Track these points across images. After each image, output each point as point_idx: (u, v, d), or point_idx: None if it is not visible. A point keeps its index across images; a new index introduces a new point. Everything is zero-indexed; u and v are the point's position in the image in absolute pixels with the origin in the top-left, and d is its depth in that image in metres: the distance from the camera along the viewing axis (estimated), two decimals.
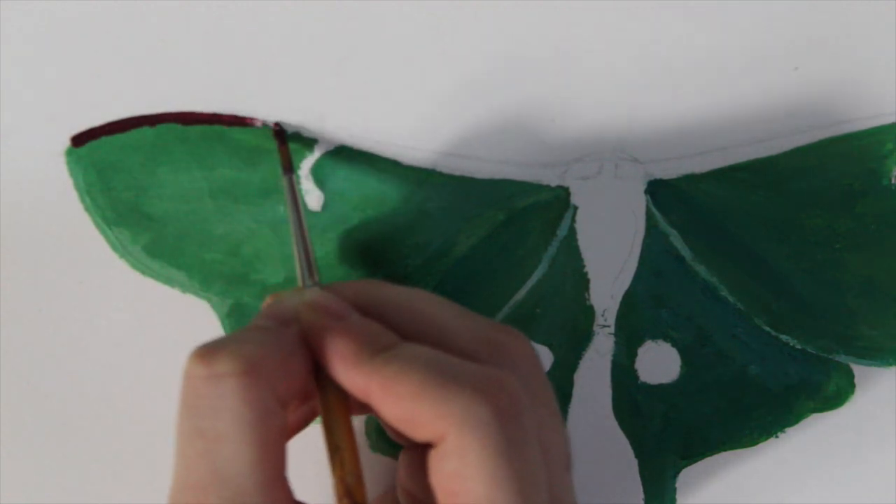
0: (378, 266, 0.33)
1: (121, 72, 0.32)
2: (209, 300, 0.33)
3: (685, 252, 0.33)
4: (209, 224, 0.32)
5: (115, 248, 0.32)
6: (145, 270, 0.33)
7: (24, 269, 0.33)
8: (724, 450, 0.34)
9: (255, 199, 0.32)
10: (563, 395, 0.34)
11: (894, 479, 0.35)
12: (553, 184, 0.33)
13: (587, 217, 0.33)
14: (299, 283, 0.28)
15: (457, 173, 0.33)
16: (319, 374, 0.26)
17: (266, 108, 0.32)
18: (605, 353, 0.34)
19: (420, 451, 0.25)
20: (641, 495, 0.34)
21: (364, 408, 0.25)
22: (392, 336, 0.26)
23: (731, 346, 0.34)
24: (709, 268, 0.33)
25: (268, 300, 0.27)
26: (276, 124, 0.32)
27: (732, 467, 0.35)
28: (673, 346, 0.34)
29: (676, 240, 0.33)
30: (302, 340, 0.26)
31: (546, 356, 0.34)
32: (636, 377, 0.34)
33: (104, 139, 0.32)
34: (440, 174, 0.33)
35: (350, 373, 0.25)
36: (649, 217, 0.33)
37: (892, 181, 0.33)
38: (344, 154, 0.33)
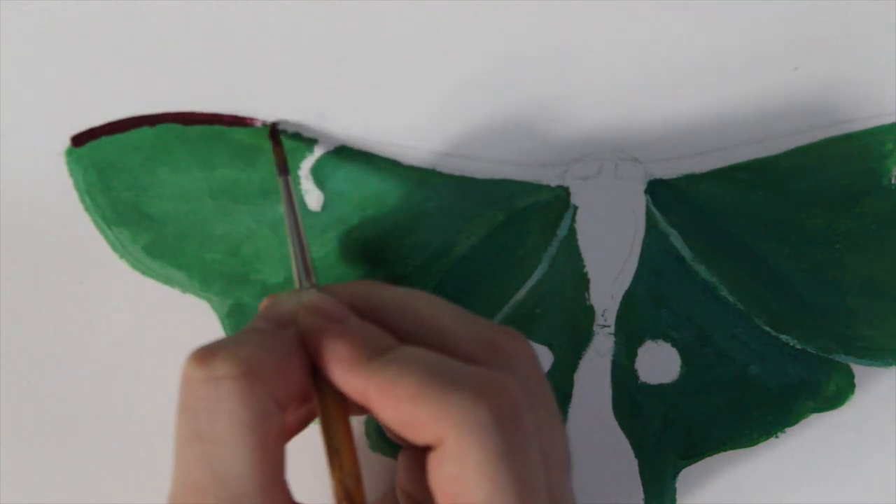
0: (378, 266, 0.33)
1: (121, 72, 0.32)
2: (209, 300, 0.33)
3: (685, 252, 0.33)
4: (209, 224, 0.32)
5: (115, 248, 0.32)
6: (145, 270, 0.33)
7: (24, 269, 0.33)
8: (724, 450, 0.34)
9: (255, 199, 0.32)
10: (563, 395, 0.34)
11: (894, 479, 0.35)
12: (553, 184, 0.33)
13: (587, 217, 0.33)
14: (296, 284, 0.28)
15: (457, 173, 0.33)
16: (317, 377, 0.26)
17: (266, 108, 0.32)
18: (605, 353, 0.34)
19: (419, 453, 0.25)
20: (641, 495, 0.34)
21: (363, 409, 0.25)
22: (390, 339, 0.25)
23: (731, 346, 0.34)
24: (709, 268, 0.33)
25: (265, 302, 0.27)
26: (273, 124, 0.32)
27: (732, 467, 0.35)
28: (673, 346, 0.34)
29: (676, 240, 0.33)
30: (299, 343, 0.26)
31: (546, 356, 0.34)
32: (636, 377, 0.34)
33: (104, 139, 0.32)
34: (440, 174, 0.33)
35: (348, 376, 0.25)
36: (649, 217, 0.33)
37: (892, 181, 0.33)
38: (344, 154, 0.33)
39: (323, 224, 0.33)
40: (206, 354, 0.24)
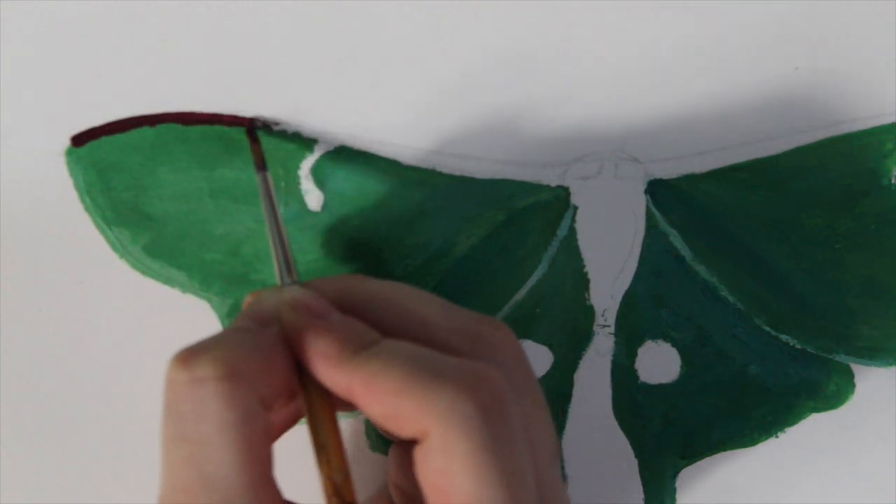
0: (378, 266, 0.33)
1: (121, 72, 0.32)
2: (209, 300, 0.33)
3: (685, 252, 0.33)
4: (209, 224, 0.32)
5: (115, 248, 0.32)
6: (145, 270, 0.33)
7: (24, 269, 0.33)
8: (724, 450, 0.34)
9: (255, 199, 0.32)
10: (563, 395, 0.34)
11: (894, 479, 0.35)
12: (553, 184, 0.33)
13: (587, 217, 0.33)
14: (278, 281, 0.28)
15: (457, 173, 0.33)
16: (302, 373, 0.26)
17: (266, 108, 0.32)
18: (605, 353, 0.34)
19: (409, 448, 0.25)
20: (641, 495, 0.34)
21: (349, 405, 0.25)
22: (373, 333, 0.25)
23: (731, 346, 0.34)
24: (709, 268, 0.33)
25: (247, 299, 0.27)
26: (251, 121, 0.32)
27: (732, 467, 0.35)
28: (673, 346, 0.34)
29: (676, 240, 0.33)
30: (283, 340, 0.25)
31: (546, 356, 0.34)
32: (636, 377, 0.34)
33: (104, 139, 0.32)
34: (440, 174, 0.33)
35: (332, 372, 0.25)
36: (649, 217, 0.33)
37: (892, 181, 0.33)
38: (344, 154, 0.33)
39: (323, 224, 0.33)
40: (188, 356, 0.24)
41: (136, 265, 0.32)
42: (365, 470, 0.34)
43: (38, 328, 0.34)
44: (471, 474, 0.23)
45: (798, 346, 0.33)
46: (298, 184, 0.32)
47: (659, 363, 0.34)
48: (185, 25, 0.32)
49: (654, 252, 0.33)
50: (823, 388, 0.34)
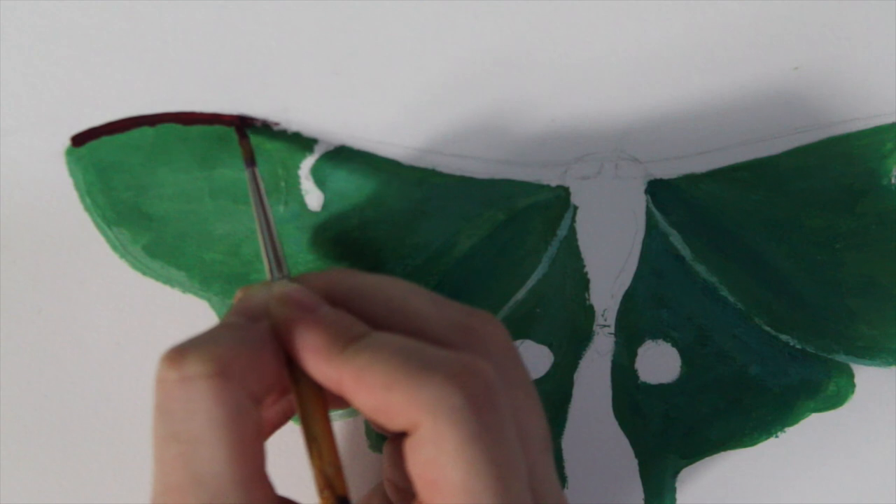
0: (378, 266, 0.33)
1: (121, 72, 0.32)
2: (209, 300, 0.33)
3: (685, 252, 0.33)
4: (209, 224, 0.32)
5: (115, 248, 0.32)
6: (145, 270, 0.33)
7: (24, 269, 0.33)
8: (724, 450, 0.34)
9: None
10: (563, 395, 0.34)
11: (894, 479, 0.35)
12: (553, 184, 0.33)
13: (587, 217, 0.33)
14: (267, 276, 0.28)
15: (457, 173, 0.33)
16: (292, 368, 0.26)
17: (266, 108, 0.32)
18: (605, 353, 0.34)
19: (402, 443, 0.25)
20: (641, 495, 0.34)
21: (340, 400, 0.25)
22: (362, 326, 0.25)
23: (731, 346, 0.34)
24: (709, 268, 0.33)
25: (238, 294, 0.27)
26: (238, 118, 0.32)
27: (732, 467, 0.35)
28: (673, 346, 0.34)
29: (676, 240, 0.33)
30: (272, 335, 0.25)
31: (546, 356, 0.34)
32: (636, 377, 0.34)
33: (104, 139, 0.32)
34: (440, 174, 0.33)
35: (321, 366, 0.25)
36: (649, 217, 0.33)
37: (892, 181, 0.33)
38: (344, 154, 0.33)
39: (323, 224, 0.33)
40: (177, 354, 0.24)
41: (136, 265, 0.32)
42: (364, 470, 0.34)
43: (38, 328, 0.34)
44: (461, 465, 0.23)
45: (798, 346, 0.33)
46: (298, 184, 0.32)
47: (659, 363, 0.34)
48: (185, 25, 0.32)
49: (654, 252, 0.33)
50: (823, 388, 0.34)
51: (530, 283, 0.33)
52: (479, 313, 0.27)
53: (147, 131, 0.32)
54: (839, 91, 0.33)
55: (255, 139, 0.32)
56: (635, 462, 0.34)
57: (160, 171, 0.32)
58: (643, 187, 0.33)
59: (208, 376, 0.23)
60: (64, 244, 0.33)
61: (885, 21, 0.33)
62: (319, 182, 0.32)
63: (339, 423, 0.34)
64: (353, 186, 0.33)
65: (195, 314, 0.33)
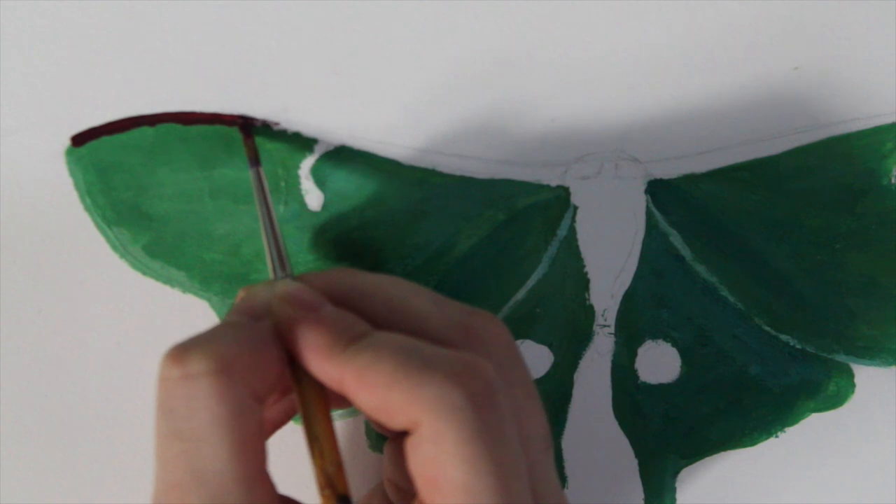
0: (378, 266, 0.33)
1: (121, 72, 0.32)
2: (209, 300, 0.33)
3: (685, 252, 0.33)
4: (209, 224, 0.32)
5: (115, 248, 0.32)
6: (145, 270, 0.33)
7: (24, 269, 0.33)
8: (724, 450, 0.34)
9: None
10: (563, 395, 0.34)
11: (894, 479, 0.35)
12: (553, 184, 0.33)
13: (587, 217, 0.33)
14: (270, 275, 0.28)
15: (457, 173, 0.33)
16: (294, 366, 0.26)
17: (266, 108, 0.32)
18: (605, 353, 0.34)
19: (402, 443, 0.25)
20: (641, 495, 0.34)
21: (342, 399, 0.25)
22: (364, 325, 0.25)
23: (731, 346, 0.34)
24: (709, 268, 0.33)
25: (240, 293, 0.27)
26: (241, 118, 0.32)
27: (732, 467, 0.35)
28: (673, 346, 0.34)
29: (676, 240, 0.33)
30: (275, 334, 0.25)
31: (546, 356, 0.34)
32: (636, 377, 0.34)
33: (104, 139, 0.32)
34: (440, 174, 0.33)
35: (323, 365, 0.25)
36: (649, 217, 0.33)
37: (892, 181, 0.33)
38: (344, 154, 0.33)
39: (323, 224, 0.33)
40: (180, 352, 0.24)
41: (136, 265, 0.32)
42: (364, 470, 0.34)
43: (38, 328, 0.34)
44: (461, 464, 0.23)
45: (798, 346, 0.33)
46: (298, 184, 0.32)
47: (659, 363, 0.34)
48: (185, 25, 0.32)
49: (654, 252, 0.33)
50: (823, 388, 0.34)
51: (530, 283, 0.33)
52: (480, 313, 0.27)
53: (147, 131, 0.32)
54: (839, 91, 0.33)
55: (255, 139, 0.32)
56: (635, 462, 0.34)
57: (160, 171, 0.32)
58: (643, 187, 0.33)
59: (211, 374, 0.23)
60: (64, 244, 0.33)
61: (885, 21, 0.33)
62: (319, 182, 0.32)
63: (340, 423, 0.34)
64: (353, 186, 0.33)
65: (195, 314, 0.33)
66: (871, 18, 0.33)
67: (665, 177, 0.33)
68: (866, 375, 0.34)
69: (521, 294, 0.33)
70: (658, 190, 0.33)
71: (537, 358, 0.34)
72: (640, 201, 0.33)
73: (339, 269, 0.28)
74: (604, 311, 0.33)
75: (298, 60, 0.32)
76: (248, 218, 0.32)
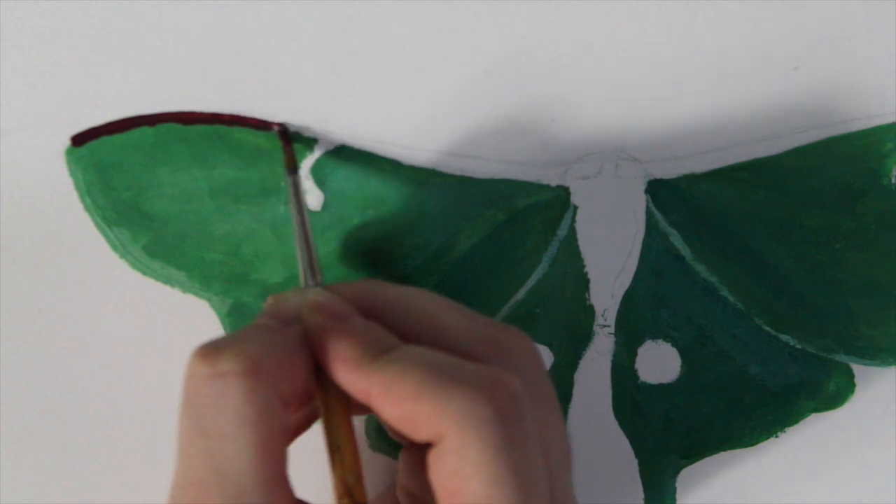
0: (378, 266, 0.33)
1: (121, 72, 0.32)
2: (209, 300, 0.33)
3: (685, 252, 0.33)
4: (209, 224, 0.32)
5: (115, 248, 0.32)
6: (145, 270, 0.33)
7: (24, 269, 0.33)
8: (724, 450, 0.34)
9: (255, 199, 0.32)
10: (563, 395, 0.34)
11: (894, 479, 0.35)
12: (553, 184, 0.33)
13: (587, 217, 0.33)
14: (301, 283, 0.28)
15: (457, 173, 0.33)
16: (320, 374, 0.26)
17: (266, 108, 0.32)
18: (605, 353, 0.34)
19: (420, 450, 0.25)
20: (641, 495, 0.34)
21: (365, 408, 0.25)
22: (392, 338, 0.26)
23: (731, 346, 0.34)
24: (709, 268, 0.33)
25: (269, 300, 0.27)
26: (280, 125, 0.32)
27: (732, 467, 0.35)
28: (673, 346, 0.34)
29: (676, 240, 0.33)
30: (304, 341, 0.26)
31: (546, 356, 0.34)
32: (636, 377, 0.34)
33: (104, 139, 0.32)
34: (440, 174, 0.33)
35: (351, 376, 0.25)
36: (649, 217, 0.33)
37: (892, 181, 0.33)
38: (344, 154, 0.33)
39: (323, 224, 0.33)
40: (211, 350, 0.24)
41: (136, 265, 0.32)
42: (365, 470, 0.34)
43: (39, 328, 0.34)
44: (485, 477, 0.23)
45: (798, 346, 0.33)
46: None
47: (659, 363, 0.34)
48: (185, 25, 0.32)
49: (654, 252, 0.33)
50: (823, 388, 0.34)
51: (530, 283, 0.33)
52: (508, 328, 0.27)
53: (147, 131, 0.32)
54: (839, 91, 0.33)
55: (254, 139, 0.32)
56: (635, 462, 0.34)
57: (160, 171, 0.32)
58: (643, 187, 0.33)
59: (241, 374, 0.24)
60: (64, 244, 0.33)
61: (885, 21, 0.33)
62: (319, 182, 0.32)
63: None
64: (353, 186, 0.33)
65: (195, 314, 0.33)
66: (871, 18, 0.33)
67: (665, 177, 0.33)
68: (866, 375, 0.34)
69: (521, 294, 0.33)
70: (658, 190, 0.33)
71: None
72: (640, 201, 0.33)
73: (368, 281, 0.28)
74: (604, 311, 0.33)
75: (298, 60, 0.32)
76: (248, 218, 0.32)
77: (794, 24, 0.33)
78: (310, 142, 0.32)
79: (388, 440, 0.33)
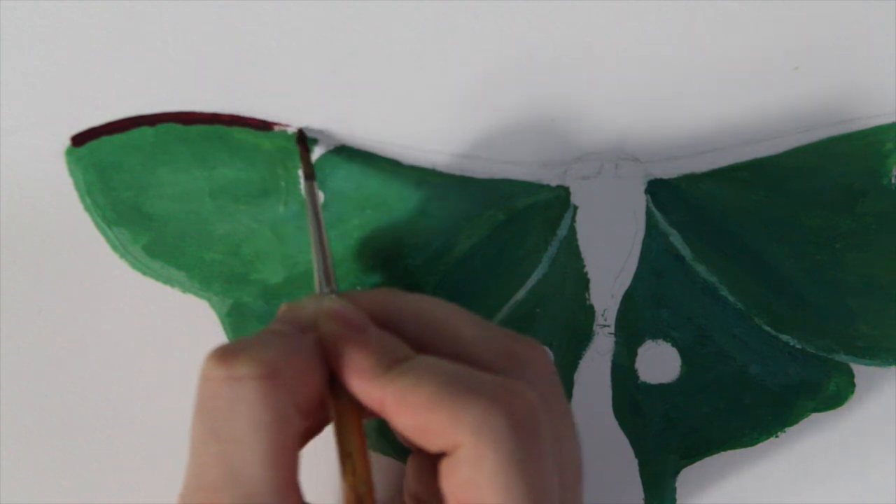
0: (378, 266, 0.33)
1: (121, 72, 0.32)
2: (209, 300, 0.33)
3: (685, 252, 0.33)
4: (209, 224, 0.32)
5: (115, 248, 0.32)
6: (145, 270, 0.33)
7: (24, 270, 0.33)
8: (724, 450, 0.34)
9: (255, 199, 0.32)
10: None
11: (894, 479, 0.35)
12: (553, 183, 0.33)
13: (587, 217, 0.33)
14: (316, 289, 0.28)
15: (457, 173, 0.33)
16: (333, 382, 0.26)
17: (266, 108, 0.32)
18: (605, 352, 0.34)
19: (430, 457, 0.25)
20: (641, 495, 0.34)
21: (376, 415, 0.25)
22: (407, 349, 0.26)
23: (731, 346, 0.34)
24: (709, 267, 0.33)
25: (283, 307, 0.27)
26: (299, 130, 0.32)
27: (732, 467, 0.35)
28: (673, 345, 0.34)
29: (676, 239, 0.33)
30: (319, 348, 0.26)
31: None
32: (636, 377, 0.34)
33: (104, 139, 0.32)
34: (440, 174, 0.33)
35: (365, 386, 0.25)
36: (649, 217, 0.33)
37: (892, 181, 0.33)
38: (344, 154, 0.33)
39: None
40: (227, 354, 0.24)
41: (136, 265, 0.32)
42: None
43: (39, 328, 0.34)
44: (498, 488, 0.23)
45: (798, 346, 0.33)
46: (298, 184, 0.32)
47: (659, 363, 0.34)
48: (185, 25, 0.32)
49: (654, 252, 0.33)
50: (823, 388, 0.34)
51: (530, 283, 0.33)
52: (522, 338, 0.27)
53: (147, 131, 0.32)
54: (839, 91, 0.33)
55: (255, 139, 0.32)
56: (635, 462, 0.34)
57: (160, 171, 0.32)
58: (643, 187, 0.33)
59: (258, 378, 0.24)
60: (64, 244, 0.33)
61: (885, 21, 0.33)
62: (320, 182, 0.32)
63: None
64: (353, 186, 0.33)
65: (195, 314, 0.33)
66: (871, 18, 0.33)
67: (665, 177, 0.33)
68: (866, 375, 0.34)
69: (521, 294, 0.33)
70: (658, 190, 0.33)
71: None
72: (640, 201, 0.33)
73: (383, 290, 0.28)
74: (604, 310, 0.33)
75: (298, 60, 0.32)
76: (248, 218, 0.32)
77: (794, 24, 0.33)
78: (310, 142, 0.32)
79: (388, 440, 0.33)
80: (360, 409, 0.26)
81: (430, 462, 0.25)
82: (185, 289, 0.33)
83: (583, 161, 0.33)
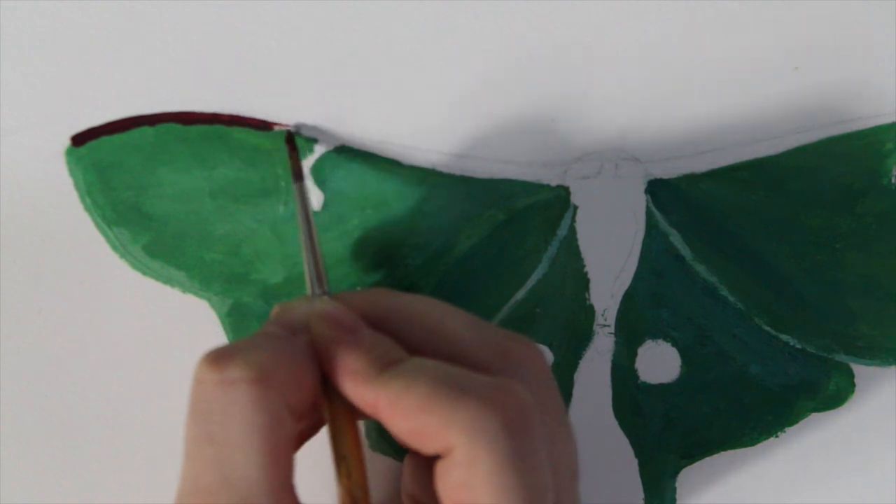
0: (378, 266, 0.33)
1: (121, 72, 0.32)
2: (209, 300, 0.33)
3: (685, 252, 0.33)
4: (209, 224, 0.32)
5: (115, 248, 0.32)
6: (145, 270, 0.33)
7: (24, 270, 0.33)
8: (724, 450, 0.34)
9: (255, 199, 0.32)
10: (563, 395, 0.34)
11: (894, 479, 0.35)
12: (553, 183, 0.33)
13: (587, 217, 0.33)
14: (308, 291, 0.28)
15: (457, 173, 0.33)
16: (327, 385, 0.26)
17: (266, 108, 0.32)
18: (605, 352, 0.34)
19: (426, 458, 0.25)
20: (641, 495, 0.34)
21: (371, 417, 0.25)
22: (400, 350, 0.26)
23: (731, 346, 0.34)
24: (709, 267, 0.33)
25: (276, 309, 0.27)
26: (288, 130, 0.32)
27: (732, 467, 0.35)
28: (673, 345, 0.34)
29: (676, 239, 0.33)
30: (312, 350, 0.26)
31: (546, 356, 0.34)
32: (636, 377, 0.34)
33: (104, 139, 0.32)
34: (440, 174, 0.33)
35: (359, 388, 0.25)
36: (649, 217, 0.33)
37: (892, 181, 0.33)
38: (344, 154, 0.33)
39: (323, 224, 0.33)
40: (220, 357, 0.24)
41: (136, 265, 0.32)
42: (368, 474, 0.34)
43: (39, 328, 0.34)
44: (493, 489, 0.23)
45: (798, 346, 0.33)
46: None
47: (659, 363, 0.34)
48: (185, 25, 0.32)
49: (654, 252, 0.33)
50: (823, 388, 0.34)
51: (530, 283, 0.33)
52: (517, 338, 0.27)
53: (147, 131, 0.32)
54: (839, 91, 0.33)
55: (255, 139, 0.32)
56: (635, 462, 0.34)
57: (160, 171, 0.32)
58: (643, 187, 0.33)
59: (251, 381, 0.24)
60: (64, 244, 0.33)
61: (885, 21, 0.33)
62: (319, 182, 0.32)
63: None
64: (353, 186, 0.33)
65: (195, 314, 0.33)
66: (871, 18, 0.33)
67: (665, 177, 0.33)
68: (866, 375, 0.34)
69: (521, 294, 0.33)
70: (658, 190, 0.33)
71: None
72: (640, 201, 0.33)
73: (376, 290, 0.28)
74: (604, 310, 0.33)
75: (298, 60, 0.32)
76: (248, 218, 0.32)
77: (794, 24, 0.33)
78: (310, 142, 0.32)
79: (388, 441, 0.33)
80: (354, 412, 0.25)
81: (427, 463, 0.25)
82: (185, 289, 0.33)
83: (583, 161, 0.33)
